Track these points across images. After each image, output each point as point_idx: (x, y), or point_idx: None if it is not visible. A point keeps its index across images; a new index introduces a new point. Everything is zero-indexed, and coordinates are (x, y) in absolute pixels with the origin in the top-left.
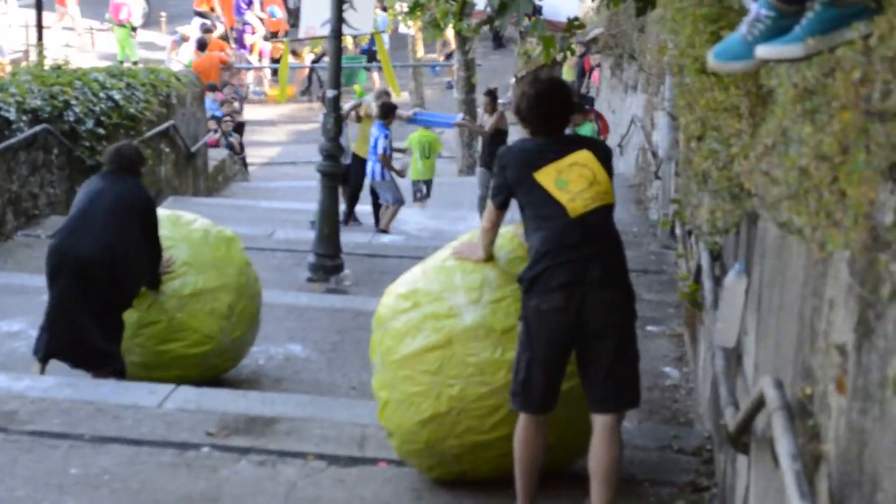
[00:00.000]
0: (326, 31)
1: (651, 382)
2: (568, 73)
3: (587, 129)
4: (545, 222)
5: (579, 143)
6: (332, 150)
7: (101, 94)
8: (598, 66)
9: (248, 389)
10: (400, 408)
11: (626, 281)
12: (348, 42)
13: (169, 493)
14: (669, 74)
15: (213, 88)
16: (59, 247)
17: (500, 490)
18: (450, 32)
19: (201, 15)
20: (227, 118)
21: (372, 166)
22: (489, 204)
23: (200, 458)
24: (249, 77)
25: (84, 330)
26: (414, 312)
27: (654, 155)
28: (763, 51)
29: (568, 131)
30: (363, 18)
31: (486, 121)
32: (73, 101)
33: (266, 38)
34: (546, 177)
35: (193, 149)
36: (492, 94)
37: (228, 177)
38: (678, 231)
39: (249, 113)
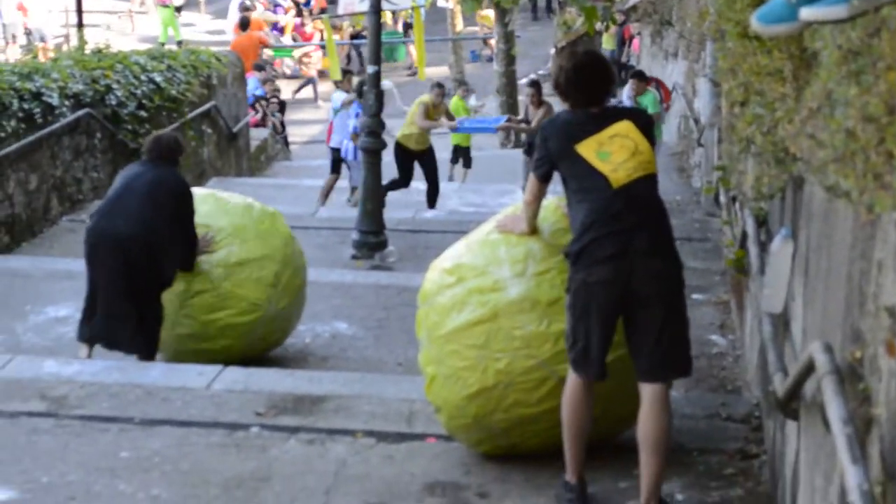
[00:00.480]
0: (365, 6)
1: (698, 350)
2: (608, 42)
3: (649, 98)
4: (589, 194)
5: (619, 114)
6: (374, 126)
7: (143, 77)
8: (639, 34)
9: (295, 368)
10: (447, 383)
11: (672, 249)
12: (387, 17)
13: (219, 473)
14: (710, 40)
15: (261, 68)
16: (96, 227)
17: (549, 463)
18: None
19: None
20: (274, 99)
21: (346, 146)
22: (531, 176)
23: (250, 438)
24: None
25: (121, 313)
26: (459, 287)
27: (696, 122)
28: (807, 13)
29: (630, 102)
30: None
31: (532, 113)
32: (115, 85)
33: (299, 15)
34: (587, 149)
35: (235, 129)
36: (537, 86)
37: (270, 156)
38: (722, 198)
39: (289, 91)
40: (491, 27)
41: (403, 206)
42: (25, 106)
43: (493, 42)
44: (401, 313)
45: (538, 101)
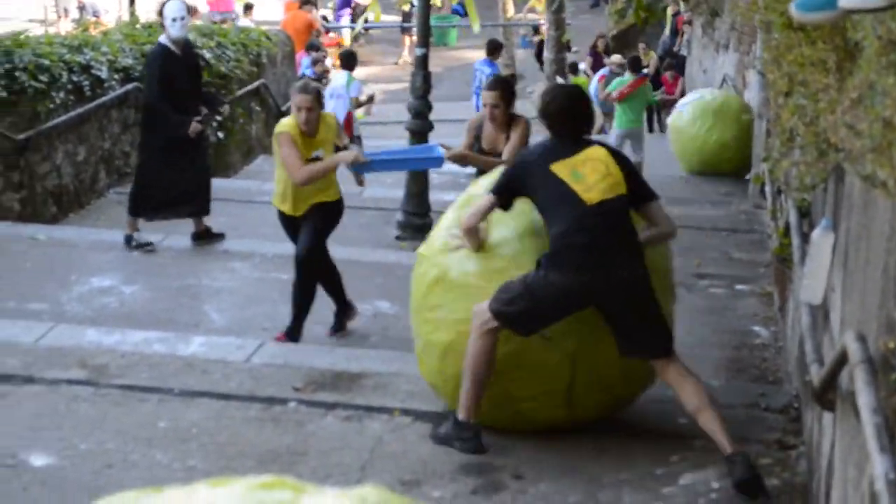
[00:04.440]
0: None
1: (739, 341)
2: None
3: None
4: (564, 210)
5: (591, 141)
6: (421, 108)
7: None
8: (690, 23)
9: (335, 345)
10: (425, 353)
11: (639, 262)
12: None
13: (256, 446)
14: (760, 32)
15: (315, 48)
16: None
17: (581, 445)
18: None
19: None
20: (324, 80)
21: None
22: (488, 196)
23: (287, 412)
24: None
25: None
26: (424, 263)
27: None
28: (846, 1)
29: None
30: None
31: None
32: None
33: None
34: (563, 169)
35: (284, 107)
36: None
37: None
38: (768, 189)
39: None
40: (542, 13)
41: (451, 187)
42: (75, 78)
43: (544, 29)
44: None
45: None
